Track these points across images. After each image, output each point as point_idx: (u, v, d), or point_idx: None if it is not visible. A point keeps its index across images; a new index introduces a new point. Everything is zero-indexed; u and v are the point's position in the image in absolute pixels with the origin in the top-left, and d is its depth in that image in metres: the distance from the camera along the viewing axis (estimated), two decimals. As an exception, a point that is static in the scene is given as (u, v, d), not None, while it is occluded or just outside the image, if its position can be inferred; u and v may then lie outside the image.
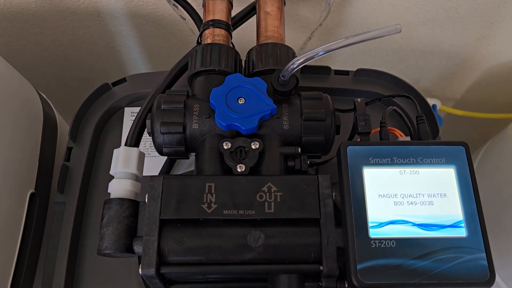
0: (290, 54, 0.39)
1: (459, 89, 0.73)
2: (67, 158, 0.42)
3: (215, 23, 0.41)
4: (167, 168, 0.42)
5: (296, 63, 0.34)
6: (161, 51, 0.67)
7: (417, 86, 0.73)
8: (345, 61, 0.68)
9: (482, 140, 0.73)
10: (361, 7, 0.57)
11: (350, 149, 0.33)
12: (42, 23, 0.61)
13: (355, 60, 0.69)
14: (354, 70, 0.46)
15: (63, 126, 0.49)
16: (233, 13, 0.46)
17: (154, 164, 0.43)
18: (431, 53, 0.65)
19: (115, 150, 0.37)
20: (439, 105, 0.70)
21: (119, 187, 0.35)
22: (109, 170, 0.36)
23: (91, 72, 0.71)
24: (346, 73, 0.46)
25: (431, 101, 0.70)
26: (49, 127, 0.45)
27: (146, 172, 0.40)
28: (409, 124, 0.38)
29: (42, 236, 0.41)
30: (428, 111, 0.42)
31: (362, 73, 0.45)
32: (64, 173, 0.41)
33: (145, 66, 0.70)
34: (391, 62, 0.69)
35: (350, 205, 0.31)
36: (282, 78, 0.36)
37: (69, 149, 0.42)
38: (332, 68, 0.46)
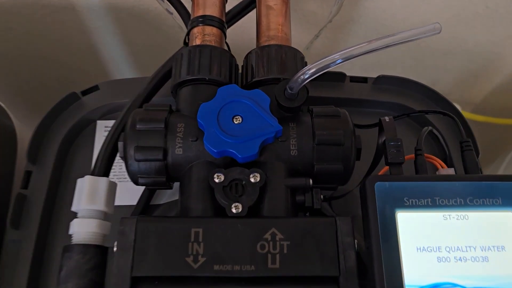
0: (298, 59, 0.32)
1: (480, 93, 0.66)
2: (25, 185, 0.34)
3: (206, 20, 0.33)
4: (146, 198, 0.35)
5: (307, 73, 0.27)
6: (145, 49, 0.59)
7: (434, 88, 0.66)
8: (352, 62, 0.60)
9: (504, 148, 0.66)
10: (376, 1, 0.49)
11: (379, 186, 0.26)
12: (10, 17, 0.54)
13: (365, 59, 0.61)
14: (370, 75, 0.39)
15: (27, 140, 0.41)
16: (228, 7, 0.38)
17: (131, 190, 0.35)
18: (452, 53, 0.58)
19: (78, 181, 0.29)
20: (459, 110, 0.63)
21: (82, 229, 0.28)
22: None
23: (68, 71, 0.63)
24: (364, 80, 0.38)
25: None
26: (6, 142, 0.37)
27: (120, 201, 0.33)
28: (447, 148, 0.31)
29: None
30: (468, 133, 0.34)
31: (383, 81, 0.38)
32: (20, 204, 0.33)
33: (128, 64, 0.62)
34: (405, 62, 0.62)
35: (380, 263, 0.24)
36: (290, 91, 0.28)
37: (28, 174, 0.35)
38: (347, 74, 0.38)
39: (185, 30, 0.41)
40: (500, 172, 0.64)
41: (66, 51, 0.59)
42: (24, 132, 0.41)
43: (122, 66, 0.61)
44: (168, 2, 0.42)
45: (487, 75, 0.62)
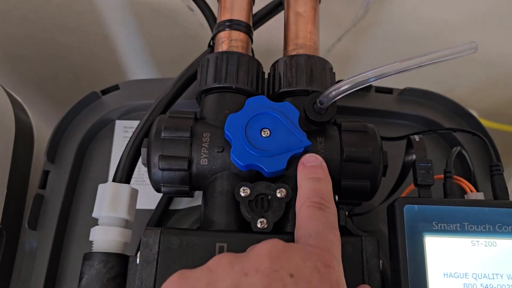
0: (327, 70, 0.31)
1: (499, 100, 0.65)
2: (43, 185, 0.34)
3: (233, 24, 0.33)
4: (165, 203, 0.34)
5: (340, 90, 0.26)
6: (162, 42, 0.58)
7: (451, 94, 0.65)
8: (371, 62, 0.59)
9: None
10: (402, 5, 0.48)
11: (408, 208, 0.25)
12: (25, 5, 0.53)
13: (383, 60, 0.60)
14: (397, 87, 0.38)
15: (43, 136, 0.40)
16: (254, 9, 0.37)
17: (149, 194, 0.35)
18: (473, 60, 0.57)
19: (100, 186, 0.29)
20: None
21: (103, 237, 0.27)
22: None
23: (82, 61, 0.62)
24: (389, 91, 0.37)
25: (466, 113, 0.62)
26: (23, 139, 0.37)
27: (139, 205, 0.32)
28: (473, 169, 0.30)
29: (9, 282, 0.33)
30: (497, 155, 0.33)
31: (409, 93, 0.37)
32: (37, 205, 0.33)
33: (143, 57, 0.61)
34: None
35: (406, 287, 0.24)
36: (319, 105, 0.28)
37: (46, 173, 0.34)
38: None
39: (205, 28, 0.40)
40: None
41: (81, 41, 0.58)
42: (40, 128, 0.41)
43: (137, 57, 0.60)
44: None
45: (507, 84, 0.61)
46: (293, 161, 0.28)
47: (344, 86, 0.26)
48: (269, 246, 0.22)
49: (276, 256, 0.21)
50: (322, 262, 0.22)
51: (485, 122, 0.65)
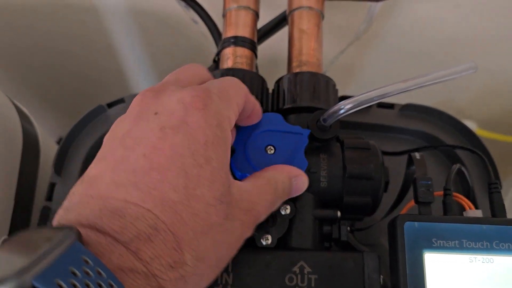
0: (330, 87, 0.32)
1: (497, 111, 0.66)
2: (49, 197, 0.34)
3: (238, 41, 0.33)
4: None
5: (343, 108, 0.27)
6: (165, 51, 0.59)
7: (450, 105, 0.66)
8: (374, 74, 0.60)
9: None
10: (405, 18, 0.49)
11: (408, 225, 0.26)
12: (31, 14, 0.53)
13: (385, 72, 0.61)
14: (397, 100, 0.39)
15: (48, 147, 0.41)
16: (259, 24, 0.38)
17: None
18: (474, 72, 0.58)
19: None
20: (474, 128, 0.63)
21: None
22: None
23: (87, 69, 0.63)
24: (390, 106, 0.38)
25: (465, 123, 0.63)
26: (30, 151, 0.37)
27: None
28: (472, 186, 0.31)
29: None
30: (495, 173, 0.34)
31: (411, 108, 0.38)
32: (44, 217, 0.33)
33: (146, 65, 0.62)
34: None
35: (407, 303, 0.24)
36: (323, 123, 0.28)
37: (52, 185, 0.35)
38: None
39: (208, 39, 0.41)
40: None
41: (85, 50, 0.59)
42: (45, 138, 0.41)
43: (141, 67, 0.61)
44: (194, 12, 0.42)
45: (507, 93, 0.62)
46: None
47: (347, 105, 0.27)
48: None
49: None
50: (189, 94, 0.22)
51: (484, 133, 0.66)
